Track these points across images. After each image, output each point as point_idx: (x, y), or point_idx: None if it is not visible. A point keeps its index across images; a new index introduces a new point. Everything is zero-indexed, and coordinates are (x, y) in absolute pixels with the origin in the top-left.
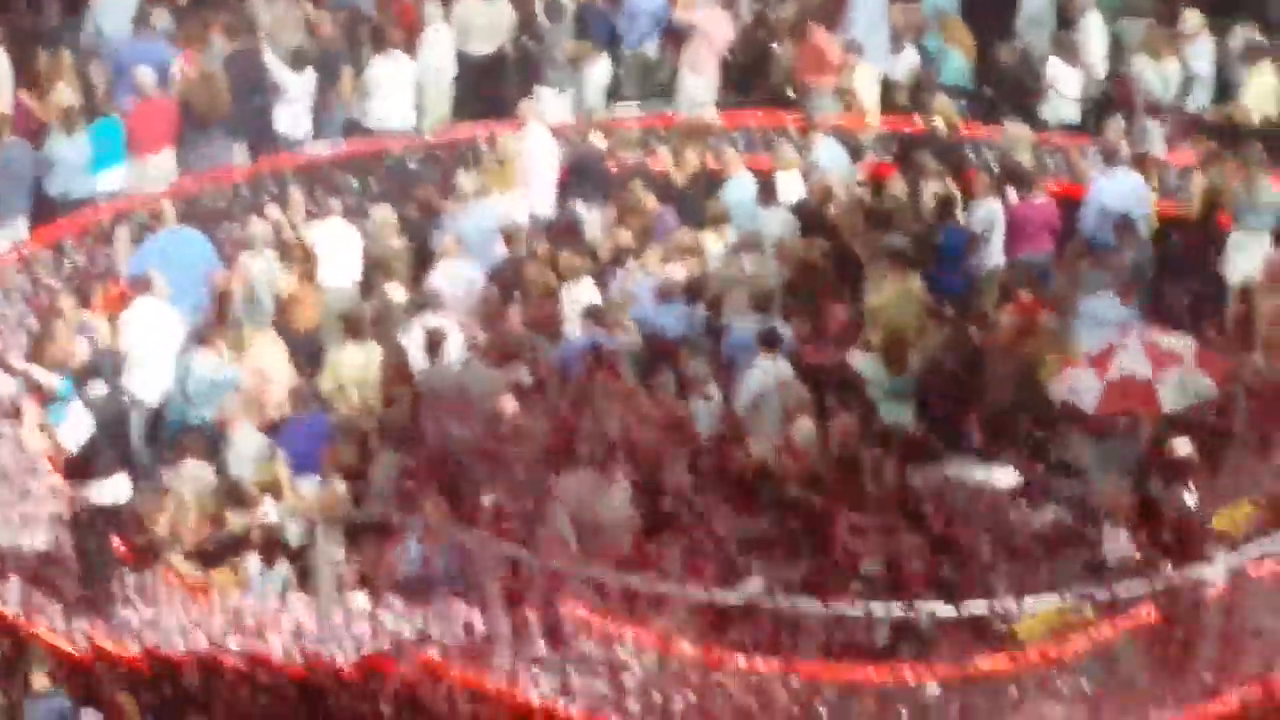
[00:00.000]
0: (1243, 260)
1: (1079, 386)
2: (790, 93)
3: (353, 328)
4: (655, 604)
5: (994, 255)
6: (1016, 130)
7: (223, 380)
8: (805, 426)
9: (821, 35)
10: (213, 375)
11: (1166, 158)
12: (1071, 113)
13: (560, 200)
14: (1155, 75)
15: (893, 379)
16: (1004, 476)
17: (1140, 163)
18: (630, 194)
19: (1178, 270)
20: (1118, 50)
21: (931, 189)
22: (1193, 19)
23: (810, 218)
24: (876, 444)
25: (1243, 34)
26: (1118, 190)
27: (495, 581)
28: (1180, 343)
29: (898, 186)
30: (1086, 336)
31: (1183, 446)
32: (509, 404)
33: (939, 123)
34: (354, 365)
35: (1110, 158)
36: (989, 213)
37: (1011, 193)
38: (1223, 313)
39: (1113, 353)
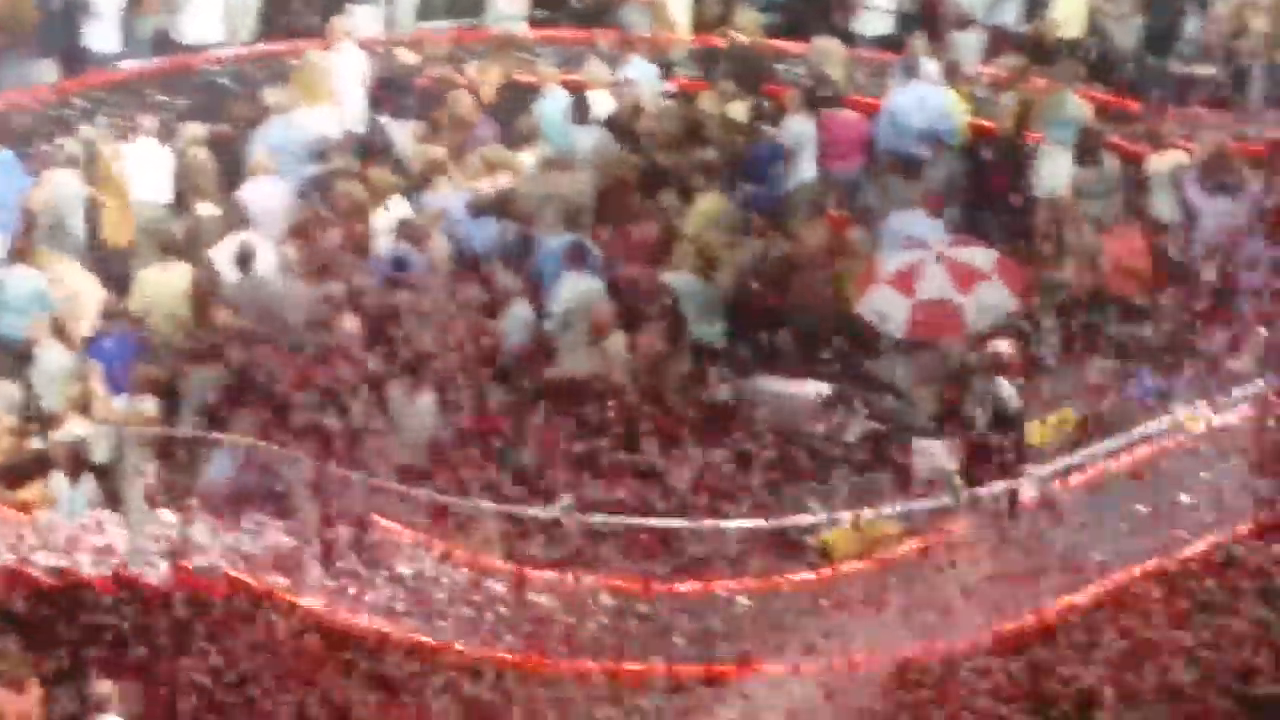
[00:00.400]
0: (1049, 174)
1: (885, 309)
2: (600, 8)
3: (163, 245)
4: (465, 520)
5: (805, 170)
6: (827, 45)
7: (36, 294)
8: (615, 342)
9: None
10: (28, 290)
11: (978, 72)
12: (883, 26)
13: (371, 116)
14: None
15: (703, 294)
16: (813, 389)
17: (950, 76)
18: (448, 108)
19: (987, 183)
20: None
21: (741, 104)
22: None
23: (622, 134)
24: (687, 358)
25: None
26: (914, 104)
27: (306, 498)
28: (982, 255)
29: (708, 102)
30: (893, 251)
31: (1003, 345)
32: (349, 322)
33: (746, 38)
34: (164, 283)
35: (910, 71)
36: (799, 128)
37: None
38: (1031, 225)
39: (916, 271)
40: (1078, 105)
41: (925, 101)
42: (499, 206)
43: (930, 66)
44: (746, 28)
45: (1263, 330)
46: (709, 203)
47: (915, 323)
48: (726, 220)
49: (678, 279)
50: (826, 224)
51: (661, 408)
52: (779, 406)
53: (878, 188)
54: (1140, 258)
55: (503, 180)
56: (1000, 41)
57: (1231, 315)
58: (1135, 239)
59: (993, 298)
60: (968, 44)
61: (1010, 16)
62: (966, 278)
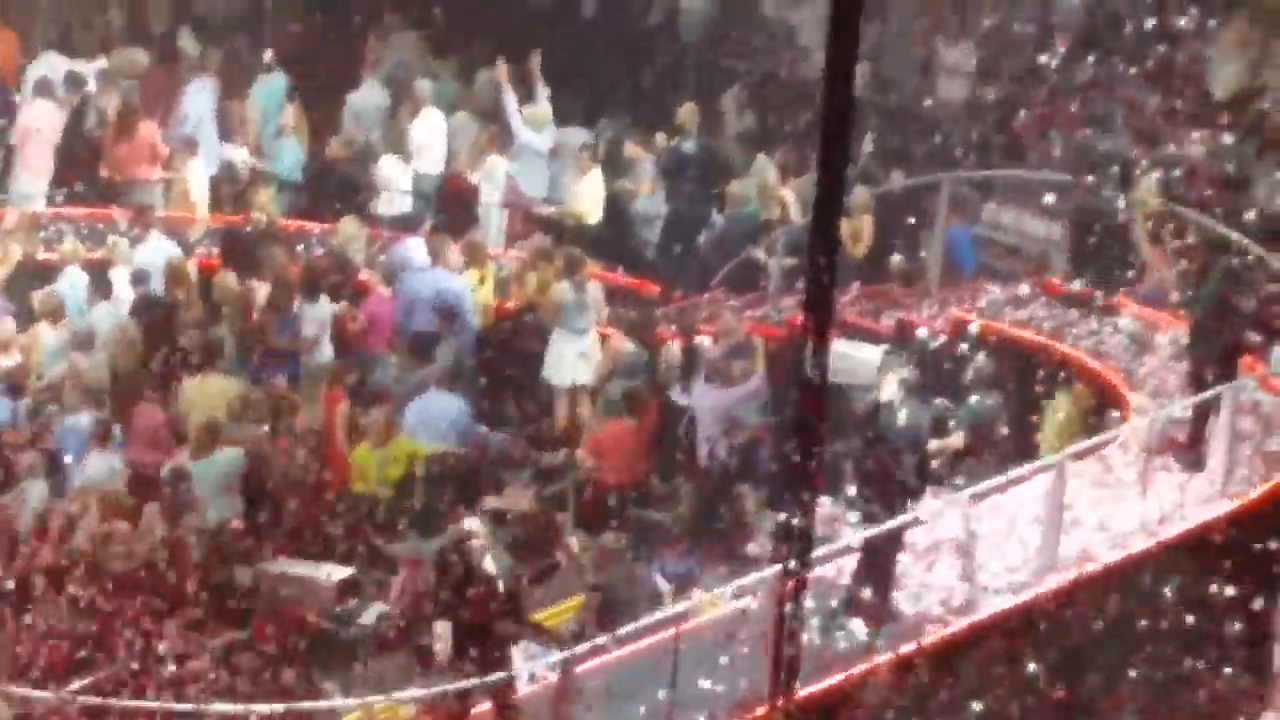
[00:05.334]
0: (564, 360)
1: None
2: (120, 186)
3: None
4: None
5: (324, 350)
6: (348, 225)
7: None
8: (120, 527)
9: (151, 128)
10: None
11: (501, 251)
12: (403, 206)
13: None
14: (490, 173)
15: (213, 474)
16: (326, 572)
17: (472, 256)
18: None
19: (503, 365)
20: (454, 146)
21: (263, 284)
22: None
23: (143, 312)
24: (202, 540)
25: (578, 138)
26: (433, 284)
27: None
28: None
29: (227, 281)
30: (420, 429)
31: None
32: None
33: (266, 217)
34: None
35: (431, 251)
36: (318, 310)
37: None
38: (549, 411)
39: None
40: (596, 290)
41: (445, 282)
42: (11, 381)
43: (451, 246)
44: (270, 207)
45: (775, 514)
46: (209, 381)
47: None
48: (240, 399)
49: (192, 461)
50: (330, 400)
51: (179, 590)
52: (294, 592)
53: (399, 367)
54: (631, 445)
55: (16, 358)
56: (524, 222)
57: (745, 498)
58: (629, 426)
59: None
60: (490, 224)
61: (533, 197)
62: None
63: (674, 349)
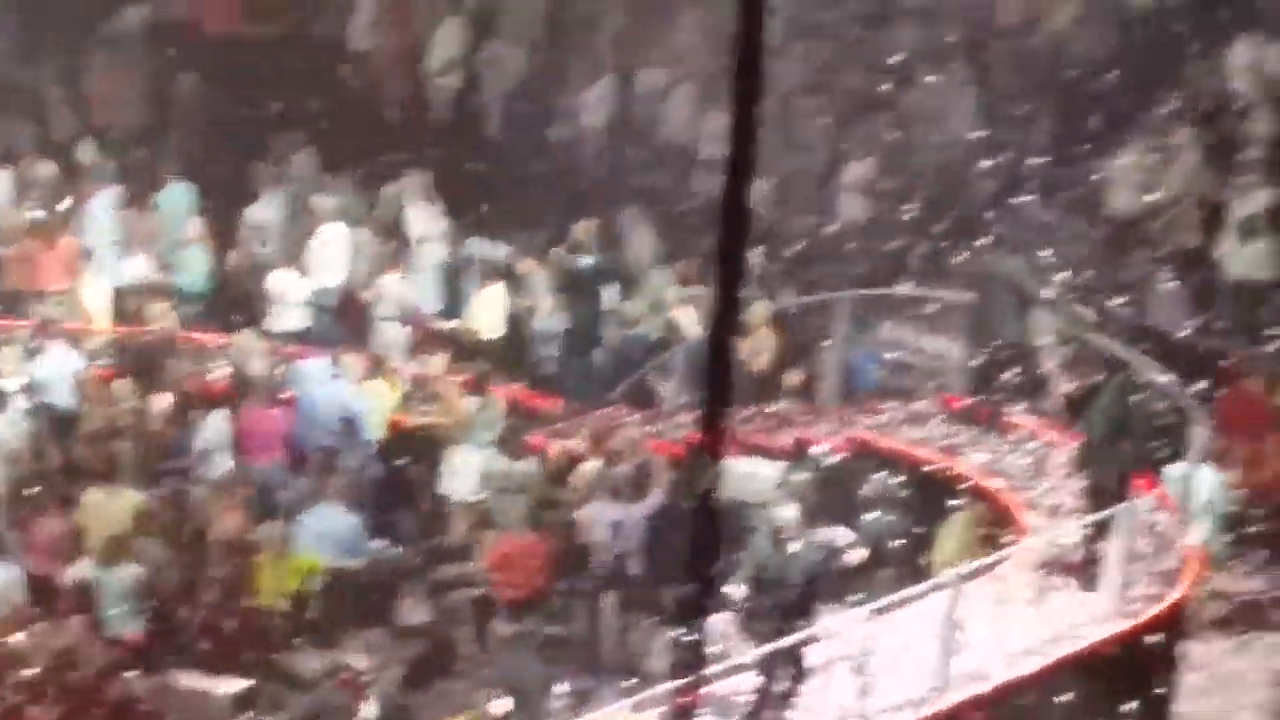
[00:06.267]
0: (463, 474)
1: None
2: (23, 297)
3: None
4: None
5: (221, 464)
6: (246, 339)
7: None
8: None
9: (71, 241)
10: None
11: (402, 367)
12: (300, 321)
13: None
14: (389, 288)
15: (116, 585)
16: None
17: (373, 370)
18: None
19: (402, 482)
20: (354, 260)
21: (161, 397)
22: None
23: (43, 423)
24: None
25: (478, 253)
26: (332, 398)
27: None
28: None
29: (125, 393)
30: (316, 543)
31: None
32: None
33: (166, 329)
34: None
35: (332, 365)
36: (215, 423)
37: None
38: (448, 525)
39: None
40: (499, 406)
41: (344, 395)
42: None
43: (352, 360)
44: (170, 319)
45: (672, 630)
46: (123, 494)
47: None
48: (141, 511)
49: (94, 572)
50: (240, 517)
51: (78, 701)
52: (190, 704)
53: (296, 479)
54: (530, 559)
55: None
56: (423, 337)
57: (643, 613)
58: (529, 540)
59: None
60: (392, 338)
61: (432, 312)
62: None
63: (576, 464)
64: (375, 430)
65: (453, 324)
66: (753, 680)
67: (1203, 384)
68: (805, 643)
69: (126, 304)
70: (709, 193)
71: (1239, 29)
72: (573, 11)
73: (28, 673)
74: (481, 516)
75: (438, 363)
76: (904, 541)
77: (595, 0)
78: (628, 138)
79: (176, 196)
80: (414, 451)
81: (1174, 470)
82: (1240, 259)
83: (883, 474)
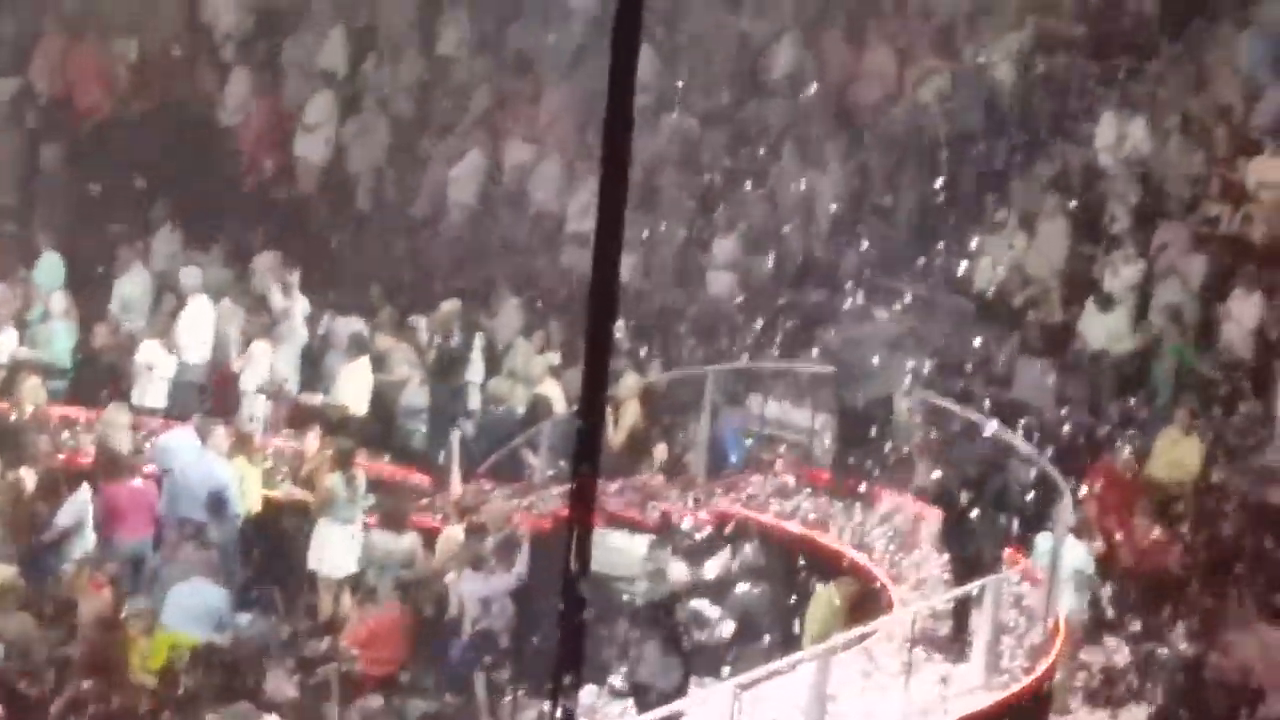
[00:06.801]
0: (330, 550)
1: None
2: None
3: None
4: None
5: (86, 538)
6: (113, 414)
7: None
8: None
9: None
10: None
11: (267, 440)
12: (165, 396)
13: None
14: (258, 361)
15: None
16: None
17: (240, 446)
18: None
19: (268, 553)
20: (220, 334)
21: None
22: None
23: None
24: None
25: (345, 328)
26: (199, 473)
27: None
28: None
29: None
30: (181, 618)
31: None
32: None
33: (31, 405)
34: None
35: (199, 439)
36: (82, 498)
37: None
38: (314, 600)
39: None
40: (361, 482)
41: (211, 469)
42: None
43: (219, 434)
44: (33, 394)
45: (538, 703)
46: None
47: None
48: (7, 587)
49: None
50: (107, 593)
51: None
52: None
53: (162, 554)
54: (395, 634)
55: None
56: (290, 411)
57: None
58: (393, 616)
59: None
60: (256, 412)
61: (297, 387)
62: None
63: (445, 537)
64: (242, 504)
65: (319, 398)
66: None
67: (1069, 458)
68: (674, 717)
69: None
70: (576, 266)
71: (1104, 105)
72: (443, 85)
73: None
74: (346, 591)
75: (311, 439)
76: (772, 614)
77: (465, 74)
78: (497, 211)
79: (52, 266)
80: (282, 526)
81: (1042, 543)
82: (1101, 331)
83: (749, 547)
